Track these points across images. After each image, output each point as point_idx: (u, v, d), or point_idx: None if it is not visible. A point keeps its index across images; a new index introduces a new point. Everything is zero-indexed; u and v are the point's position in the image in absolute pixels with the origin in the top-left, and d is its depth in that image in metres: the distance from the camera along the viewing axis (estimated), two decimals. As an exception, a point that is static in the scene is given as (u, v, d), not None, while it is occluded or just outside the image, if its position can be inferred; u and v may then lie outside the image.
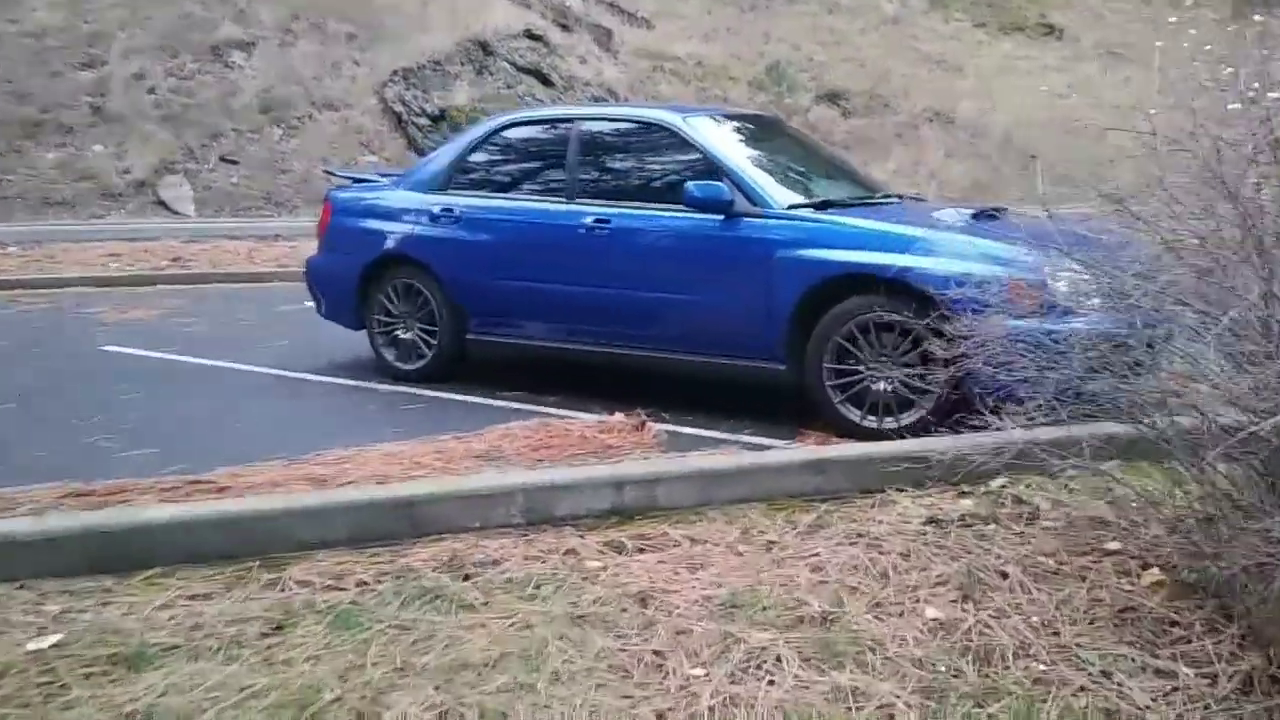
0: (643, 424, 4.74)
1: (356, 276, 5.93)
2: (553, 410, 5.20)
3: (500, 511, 3.38)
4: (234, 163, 19.32)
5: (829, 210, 4.82)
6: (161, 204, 18.48)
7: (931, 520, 3.45)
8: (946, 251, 4.37)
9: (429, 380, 5.80)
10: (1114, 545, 3.22)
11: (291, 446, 4.42)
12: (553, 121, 5.69)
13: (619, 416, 4.91)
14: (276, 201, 19.26)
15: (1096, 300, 4.22)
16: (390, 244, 5.84)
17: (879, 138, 23.22)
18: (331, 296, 6.18)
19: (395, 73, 20.38)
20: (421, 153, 20.38)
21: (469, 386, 5.70)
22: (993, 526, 3.42)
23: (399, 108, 20.50)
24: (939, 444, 3.84)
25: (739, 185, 4.84)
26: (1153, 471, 3.43)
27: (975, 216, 4.77)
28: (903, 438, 4.40)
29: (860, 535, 3.36)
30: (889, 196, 5.26)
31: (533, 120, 5.84)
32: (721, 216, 4.83)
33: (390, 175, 6.56)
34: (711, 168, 4.97)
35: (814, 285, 4.55)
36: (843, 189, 5.35)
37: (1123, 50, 28.32)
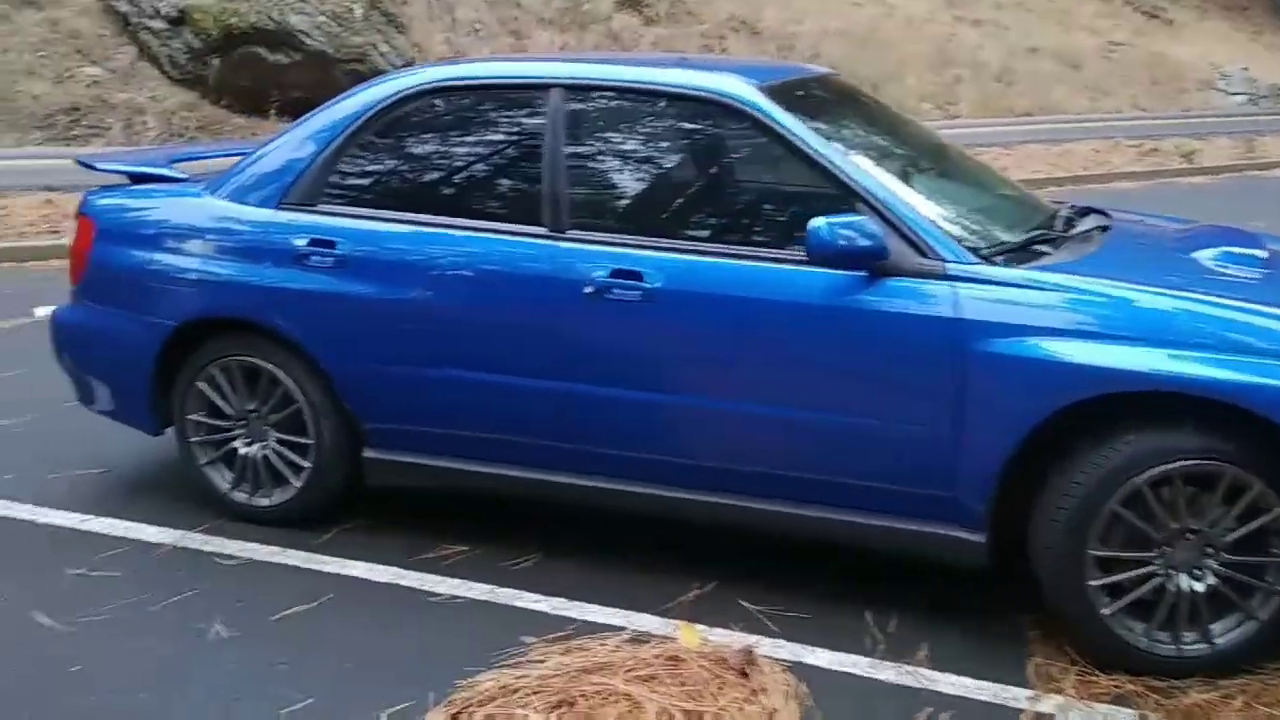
0: (750, 658, 2.66)
1: (153, 351, 3.42)
2: (539, 602, 3.00)
3: None
4: (-96, 78, 15.08)
5: (1046, 261, 2.81)
6: None
7: None
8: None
9: (294, 523, 3.44)
10: None
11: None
12: (513, 87, 3.26)
13: (686, 634, 2.80)
14: (-34, 128, 15.23)
15: None
16: (215, 298, 3.35)
17: (685, 49, 21.38)
18: (108, 380, 3.61)
19: (118, -39, 16.51)
20: (161, 66, 16.59)
21: (368, 537, 3.40)
22: None
23: (125, 7, 16.70)
24: None
25: (896, 221, 2.74)
26: None
27: (1269, 260, 2.91)
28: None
29: None
30: (1060, 210, 3.32)
31: (476, 83, 3.29)
32: (864, 274, 2.74)
33: (183, 157, 3.96)
34: (834, 186, 2.83)
35: (1060, 409, 2.57)
36: (1001, 203, 3.32)
37: (909, -43, 27.68)
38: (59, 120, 15.62)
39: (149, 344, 3.42)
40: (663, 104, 3.11)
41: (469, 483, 3.30)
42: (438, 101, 3.31)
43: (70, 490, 3.73)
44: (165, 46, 16.61)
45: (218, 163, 3.97)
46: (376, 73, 17.01)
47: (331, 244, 3.23)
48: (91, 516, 3.53)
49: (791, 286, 2.81)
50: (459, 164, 3.31)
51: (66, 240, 8.44)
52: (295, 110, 16.80)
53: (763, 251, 2.88)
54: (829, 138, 2.92)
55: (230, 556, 3.29)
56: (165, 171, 3.64)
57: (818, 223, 2.66)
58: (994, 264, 2.72)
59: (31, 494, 3.67)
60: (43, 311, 6.23)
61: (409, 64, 17.68)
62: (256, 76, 16.15)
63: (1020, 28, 25.16)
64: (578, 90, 3.14)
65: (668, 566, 3.20)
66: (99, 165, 3.67)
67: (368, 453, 3.36)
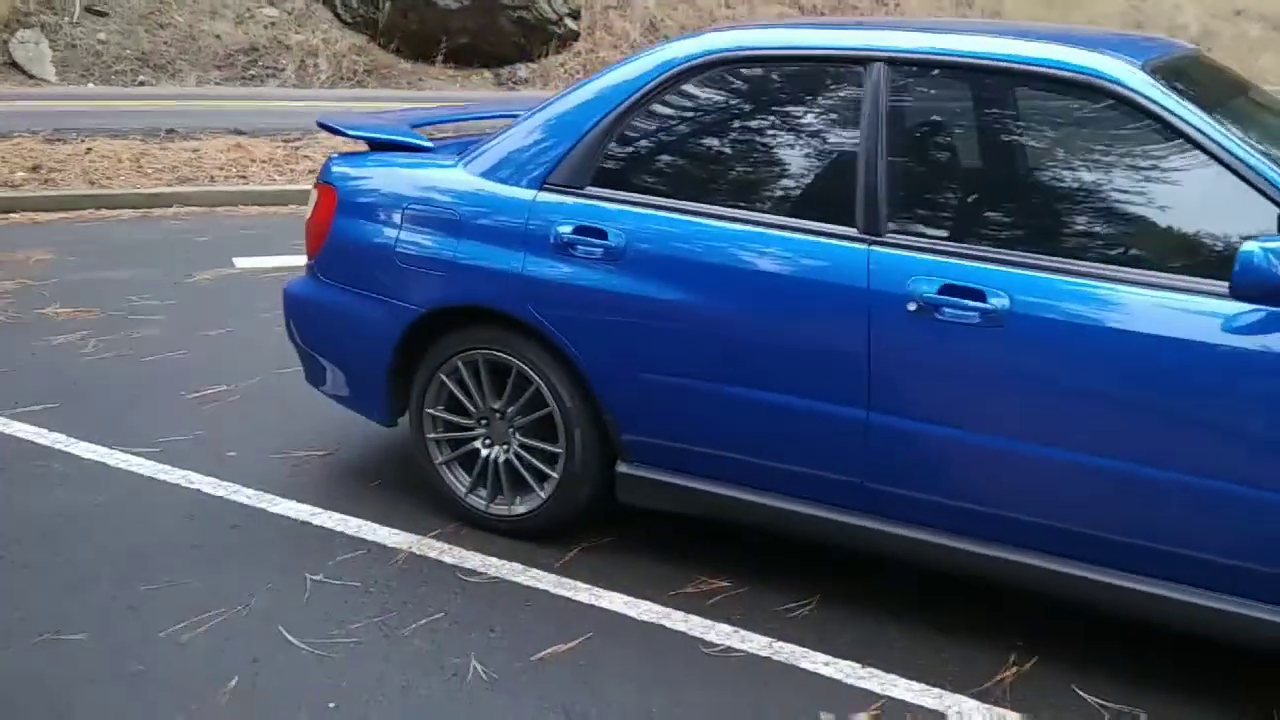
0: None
1: (394, 338, 3.12)
2: (828, 665, 2.59)
3: None
4: (101, 14, 15.50)
5: None
6: (14, 65, 14.78)
7: None
8: None
9: (532, 536, 3.12)
10: None
11: None
12: (824, 59, 2.77)
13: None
14: (155, 65, 15.63)
15: None
16: (466, 285, 3.02)
17: (858, 8, 20.43)
18: (342, 364, 3.35)
19: (304, -99, 16.61)
20: (334, 8, 16.62)
21: (614, 562, 3.04)
22: None
23: (304, -53, 16.79)
24: None
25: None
26: None
27: None
28: None
29: None
30: None
31: (777, 54, 2.82)
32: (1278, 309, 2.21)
33: (423, 121, 3.63)
34: (1253, 199, 2.29)
35: None
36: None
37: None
38: (238, 60, 15.81)
39: (390, 330, 3.12)
40: (1014, 84, 2.60)
41: (737, 513, 2.90)
42: (728, 74, 2.87)
43: (294, 476, 3.50)
44: (344, -11, 16.66)
45: (456, 127, 3.66)
46: (542, 20, 16.68)
47: (601, 233, 2.85)
48: (320, 510, 3.28)
49: (1184, 320, 2.29)
50: (752, 149, 2.87)
51: (256, 186, 8.38)
52: (460, 57, 16.66)
53: (1146, 275, 2.35)
54: (1237, 134, 2.37)
55: (473, 572, 2.98)
56: (410, 139, 3.30)
57: (1252, 247, 2.13)
58: None
59: (257, 478, 3.45)
60: (243, 262, 6.12)
61: (574, 14, 17.20)
62: (425, 21, 16.04)
63: (1223, -13, 23.21)
64: (906, 65, 2.64)
65: (969, 630, 2.75)
66: (346, 130, 3.36)
67: (622, 468, 3.00)
